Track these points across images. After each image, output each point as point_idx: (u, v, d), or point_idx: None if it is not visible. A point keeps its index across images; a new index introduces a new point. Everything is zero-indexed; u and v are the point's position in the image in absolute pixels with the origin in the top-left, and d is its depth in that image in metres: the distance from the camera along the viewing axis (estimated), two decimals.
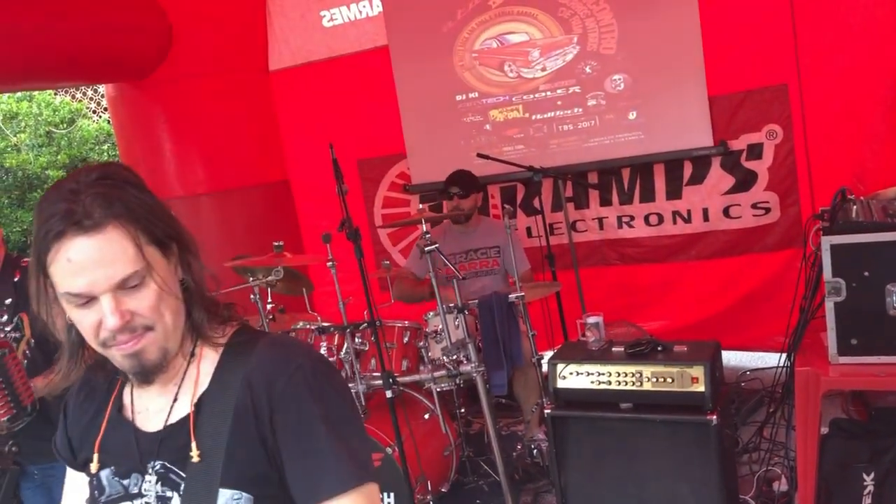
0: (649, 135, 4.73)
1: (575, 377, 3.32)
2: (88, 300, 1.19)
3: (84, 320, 1.21)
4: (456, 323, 3.66)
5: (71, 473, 1.47)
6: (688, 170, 4.76)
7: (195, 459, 1.25)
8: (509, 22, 5.00)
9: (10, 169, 8.88)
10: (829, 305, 2.80)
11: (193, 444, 1.26)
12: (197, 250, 1.32)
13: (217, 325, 1.34)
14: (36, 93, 9.35)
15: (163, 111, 5.24)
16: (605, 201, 5.03)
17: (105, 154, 9.56)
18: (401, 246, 5.66)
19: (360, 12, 5.44)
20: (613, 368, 3.24)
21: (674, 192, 4.83)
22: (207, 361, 1.33)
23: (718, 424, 3.02)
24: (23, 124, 9.27)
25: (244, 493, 1.24)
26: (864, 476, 2.90)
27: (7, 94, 9.09)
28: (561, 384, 3.34)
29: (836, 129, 4.30)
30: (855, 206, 2.98)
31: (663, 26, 4.57)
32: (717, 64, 4.50)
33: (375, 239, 5.71)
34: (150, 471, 1.30)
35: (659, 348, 3.27)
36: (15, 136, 9.18)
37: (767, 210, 4.58)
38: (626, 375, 3.21)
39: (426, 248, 3.56)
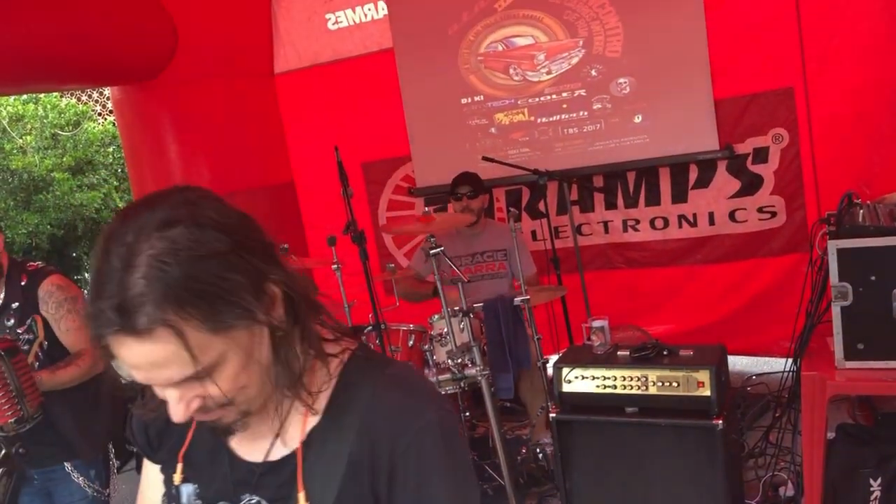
0: (655, 138, 4.72)
1: (580, 381, 3.31)
2: None
3: (159, 394, 1.09)
4: (461, 326, 3.66)
5: (146, 462, 1.34)
6: (693, 173, 4.75)
7: None
8: (515, 25, 5.00)
9: (16, 171, 8.89)
10: (835, 310, 2.79)
11: (301, 495, 1.13)
12: (300, 291, 1.12)
13: (323, 367, 1.18)
14: (42, 95, 9.37)
15: (168, 113, 5.24)
16: (611, 205, 5.02)
17: (110, 156, 9.58)
18: (405, 249, 5.65)
19: (366, 15, 5.44)
20: (619, 372, 3.23)
21: (679, 196, 4.82)
22: (320, 395, 1.17)
23: (724, 429, 3.01)
24: (29, 126, 9.30)
25: None
26: (871, 481, 2.89)
27: (13, 97, 9.11)
28: (566, 388, 3.33)
29: (843, 132, 4.29)
30: (861, 211, 2.96)
31: (669, 29, 4.56)
32: (723, 67, 4.49)
33: (380, 242, 5.71)
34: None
35: (664, 352, 3.26)
36: (21, 138, 9.21)
37: (773, 214, 4.57)
38: (632, 379, 3.20)
39: (431, 252, 3.55)
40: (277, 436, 1.19)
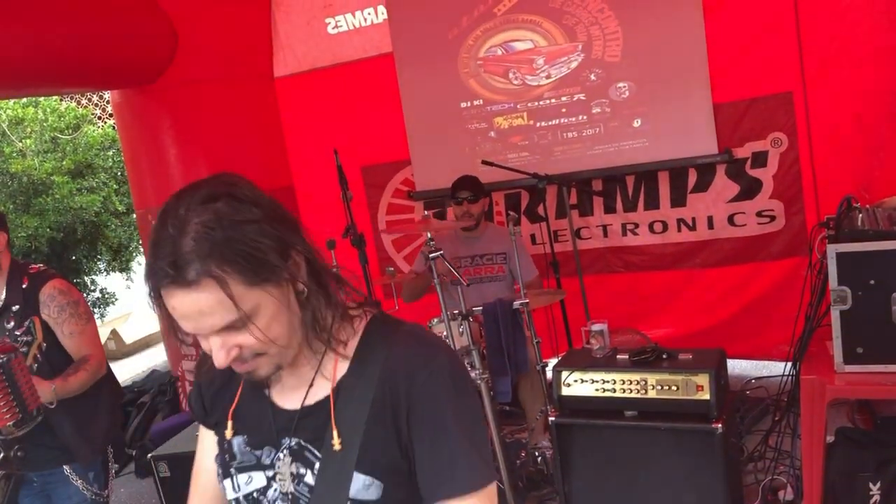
0: (654, 142, 4.73)
1: (579, 385, 3.31)
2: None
3: (203, 344, 1.26)
4: (460, 330, 3.66)
5: (203, 430, 1.53)
6: (692, 177, 4.76)
7: (336, 448, 1.29)
8: (514, 29, 5.00)
9: (16, 174, 8.88)
10: (834, 314, 2.80)
11: (335, 432, 1.30)
12: (320, 261, 1.32)
13: (350, 319, 1.36)
14: (41, 98, 9.37)
15: (168, 117, 5.24)
16: (610, 209, 5.02)
17: (110, 160, 9.57)
18: (405, 252, 5.66)
19: (365, 19, 5.45)
20: (618, 376, 3.24)
21: (678, 200, 4.83)
22: (345, 349, 1.35)
23: (723, 433, 3.01)
24: (28, 130, 9.29)
25: (376, 480, 1.29)
26: (871, 485, 2.89)
27: (13, 100, 9.12)
28: (565, 391, 3.33)
29: (842, 137, 4.29)
30: (860, 215, 2.97)
31: (668, 34, 4.57)
32: (722, 72, 4.50)
33: (379, 245, 5.71)
34: (284, 447, 1.36)
35: (664, 356, 3.26)
36: (20, 141, 9.20)
37: (772, 218, 4.57)
38: (631, 383, 3.20)
39: (430, 255, 3.55)
40: (311, 386, 1.36)
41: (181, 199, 1.22)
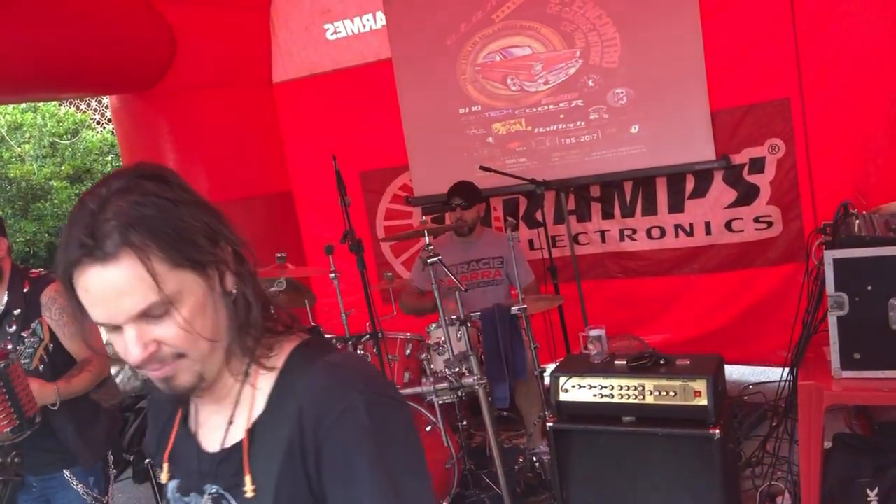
0: (651, 148, 4.74)
1: (577, 390, 3.31)
2: (115, 326, 1.12)
3: (116, 344, 1.15)
4: (458, 335, 3.66)
5: None
6: (690, 183, 4.77)
7: (249, 495, 1.19)
8: (512, 36, 5.01)
9: (14, 179, 8.90)
10: (831, 320, 2.80)
11: (248, 479, 1.19)
12: (249, 262, 1.23)
13: (275, 342, 1.25)
14: (40, 104, 9.38)
15: (166, 122, 5.25)
16: (608, 214, 5.03)
17: (108, 165, 9.59)
18: (403, 258, 5.66)
19: (364, 25, 5.46)
20: (616, 382, 3.24)
21: (676, 206, 4.83)
22: (265, 380, 1.23)
23: (721, 438, 3.02)
24: (27, 135, 9.31)
25: None
26: (868, 491, 2.89)
27: (12, 105, 9.12)
28: (563, 397, 3.34)
29: (839, 143, 4.30)
30: (857, 221, 2.98)
31: (666, 40, 4.58)
32: (720, 78, 4.51)
33: (378, 251, 5.72)
34: (206, 493, 1.26)
35: (661, 362, 3.27)
36: (19, 146, 9.21)
37: (770, 224, 4.58)
38: (629, 389, 3.20)
39: (429, 260, 3.56)
40: (230, 423, 1.25)
41: (104, 182, 1.14)
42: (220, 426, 1.26)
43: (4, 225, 2.88)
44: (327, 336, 3.72)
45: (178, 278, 1.11)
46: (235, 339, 1.21)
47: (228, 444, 1.24)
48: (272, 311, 1.26)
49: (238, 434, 1.23)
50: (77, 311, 1.13)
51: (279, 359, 1.24)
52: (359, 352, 3.64)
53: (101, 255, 1.07)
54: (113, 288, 1.08)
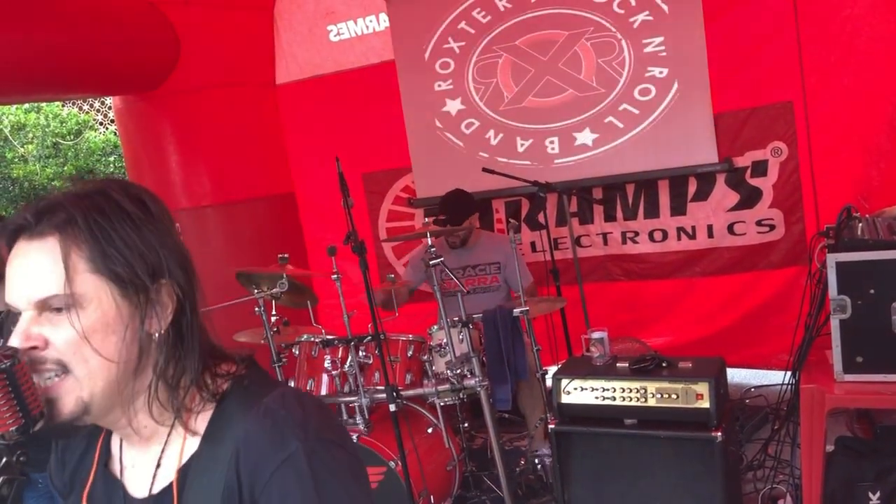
0: (654, 151, 4.74)
1: (579, 392, 3.31)
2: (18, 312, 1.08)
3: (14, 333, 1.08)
4: (460, 337, 3.66)
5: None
6: (692, 186, 4.77)
7: None
8: (516, 38, 5.01)
9: (17, 179, 8.92)
10: (834, 323, 2.80)
11: None
12: (193, 297, 1.15)
13: (209, 384, 1.17)
14: (44, 104, 9.40)
15: (170, 123, 5.26)
16: (610, 217, 5.03)
17: (111, 166, 9.60)
18: (405, 259, 5.65)
19: (367, 27, 5.47)
20: (618, 384, 3.24)
21: (678, 209, 4.83)
22: (199, 420, 1.16)
23: (723, 441, 3.01)
24: (30, 135, 9.32)
25: None
26: (870, 495, 2.89)
27: (15, 106, 9.14)
28: (565, 399, 3.33)
29: (842, 146, 4.31)
30: (860, 224, 2.98)
31: (669, 44, 4.59)
32: (723, 81, 4.51)
33: (380, 252, 5.72)
34: None
35: (663, 364, 3.26)
36: (22, 147, 9.23)
37: (772, 227, 4.58)
38: (631, 391, 3.20)
39: (431, 262, 3.56)
40: (158, 467, 1.17)
41: (93, 180, 1.14)
42: (147, 468, 1.19)
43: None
44: (329, 338, 3.73)
45: (93, 285, 1.06)
46: (156, 383, 1.13)
47: (157, 489, 1.17)
48: (218, 355, 1.20)
49: (167, 477, 1.16)
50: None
51: (215, 395, 1.17)
52: (360, 353, 3.64)
53: (31, 232, 1.06)
54: (26, 266, 1.06)
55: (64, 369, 1.07)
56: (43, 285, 1.05)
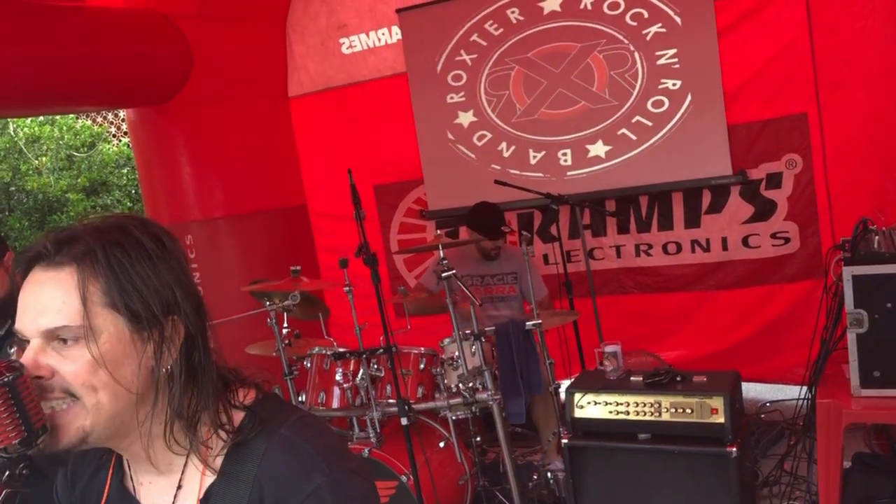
0: (668, 163, 4.72)
1: (593, 406, 3.28)
2: (26, 339, 1.09)
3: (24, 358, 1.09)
4: (472, 350, 3.64)
5: None
6: (706, 198, 4.74)
7: None
8: (528, 51, 5.01)
9: (31, 192, 8.98)
10: (850, 337, 2.77)
11: None
12: (203, 332, 1.17)
13: (224, 413, 1.18)
14: (58, 117, 9.47)
15: (182, 135, 5.28)
16: (623, 229, 5.01)
17: (125, 177, 9.65)
18: (416, 271, 5.65)
19: (379, 39, 5.48)
20: (632, 398, 3.21)
21: (692, 221, 4.80)
22: (214, 453, 1.17)
23: (738, 456, 2.98)
24: (44, 148, 9.39)
25: None
26: None
27: (30, 118, 9.21)
28: (578, 413, 3.31)
29: (856, 158, 4.27)
30: (877, 237, 2.95)
31: (682, 56, 4.57)
32: (737, 93, 4.50)
33: (391, 265, 5.71)
34: None
35: (678, 378, 3.24)
36: (36, 159, 9.29)
37: (787, 240, 4.54)
38: (645, 406, 3.17)
39: (443, 275, 3.55)
40: (178, 490, 1.18)
41: (113, 214, 1.18)
42: (165, 489, 1.19)
43: (5, 242, 2.81)
44: (341, 350, 3.72)
45: (107, 318, 1.08)
46: (171, 417, 1.14)
47: None
48: (232, 380, 1.22)
49: (189, 502, 1.17)
50: None
51: (228, 431, 1.17)
52: (372, 366, 3.62)
53: (49, 261, 1.08)
54: (40, 295, 1.07)
55: (72, 397, 1.08)
56: (55, 315, 1.06)
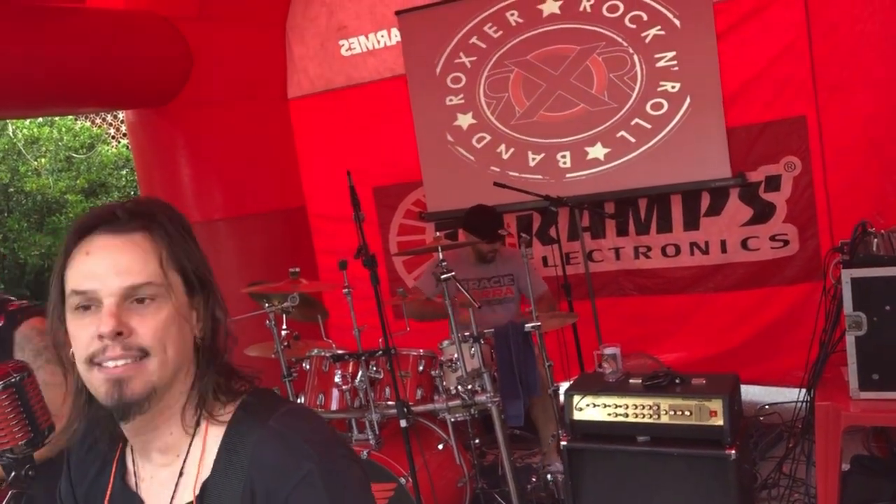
0: (667, 165, 4.72)
1: (591, 409, 3.29)
2: (90, 305, 1.13)
3: (80, 331, 1.13)
4: (471, 352, 3.64)
5: None
6: (705, 201, 4.74)
7: None
8: (527, 53, 5.02)
9: (30, 193, 8.97)
10: (849, 339, 2.77)
11: None
12: (226, 313, 1.26)
13: (226, 397, 1.24)
14: (57, 118, 9.46)
15: (182, 137, 5.28)
16: (622, 231, 5.01)
17: (123, 179, 9.64)
18: (415, 273, 5.64)
19: (379, 42, 5.48)
20: (630, 401, 3.21)
21: (691, 223, 4.81)
22: (212, 438, 1.22)
23: (737, 459, 2.98)
24: (43, 149, 9.38)
25: None
26: None
27: (29, 120, 9.21)
28: (577, 416, 3.31)
29: (856, 161, 4.28)
30: (875, 240, 2.95)
31: (682, 58, 4.58)
32: (736, 95, 4.50)
33: (390, 266, 5.71)
34: None
35: (677, 381, 3.24)
36: (35, 160, 9.28)
37: (786, 243, 4.55)
38: (644, 408, 3.17)
39: (442, 277, 3.55)
40: (179, 479, 1.22)
41: (148, 197, 1.28)
42: (167, 482, 1.23)
43: None
44: (339, 352, 3.72)
45: (175, 281, 1.18)
46: (192, 388, 1.22)
47: (179, 503, 1.21)
48: (228, 372, 1.26)
49: (188, 492, 1.20)
50: (56, 312, 1.16)
51: (225, 417, 1.23)
52: (371, 368, 3.62)
53: (118, 226, 1.16)
54: (117, 255, 1.14)
55: (144, 354, 1.14)
56: (136, 274, 1.13)
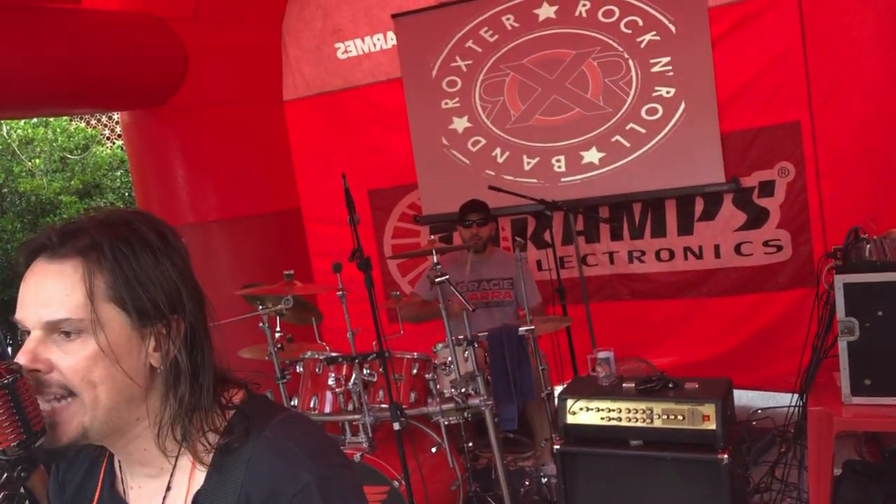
0: (661, 170, 4.73)
1: (585, 413, 3.29)
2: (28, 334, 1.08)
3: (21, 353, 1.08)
4: (465, 355, 3.64)
5: None
6: (699, 206, 4.76)
7: None
8: (523, 57, 5.03)
9: (24, 194, 8.94)
10: (842, 345, 2.78)
11: None
12: (206, 332, 1.17)
13: (217, 408, 1.19)
14: (51, 119, 9.44)
15: (176, 139, 5.27)
16: (616, 236, 5.02)
17: (118, 180, 9.62)
18: (410, 276, 5.65)
19: (375, 45, 5.49)
20: (624, 405, 3.22)
21: (685, 228, 4.82)
22: (203, 452, 1.17)
23: (730, 463, 2.99)
24: (38, 150, 9.35)
25: None
26: None
27: (24, 120, 9.18)
28: (571, 420, 3.31)
29: (849, 167, 4.30)
30: (868, 245, 2.96)
31: (676, 64, 4.59)
32: (730, 101, 4.52)
33: (385, 269, 5.71)
34: None
35: (670, 385, 3.25)
36: (30, 161, 9.26)
37: (779, 248, 4.56)
38: (637, 412, 3.18)
39: (437, 280, 3.55)
40: (167, 492, 1.18)
41: (118, 209, 1.18)
42: (155, 493, 1.19)
43: None
44: (333, 355, 3.71)
45: (110, 314, 1.08)
46: (163, 414, 1.14)
47: None
48: (223, 381, 1.21)
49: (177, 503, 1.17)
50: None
51: (218, 429, 1.18)
52: (365, 371, 3.62)
53: (53, 252, 1.07)
54: (44, 285, 1.06)
55: (70, 393, 1.07)
56: (57, 308, 1.05)
